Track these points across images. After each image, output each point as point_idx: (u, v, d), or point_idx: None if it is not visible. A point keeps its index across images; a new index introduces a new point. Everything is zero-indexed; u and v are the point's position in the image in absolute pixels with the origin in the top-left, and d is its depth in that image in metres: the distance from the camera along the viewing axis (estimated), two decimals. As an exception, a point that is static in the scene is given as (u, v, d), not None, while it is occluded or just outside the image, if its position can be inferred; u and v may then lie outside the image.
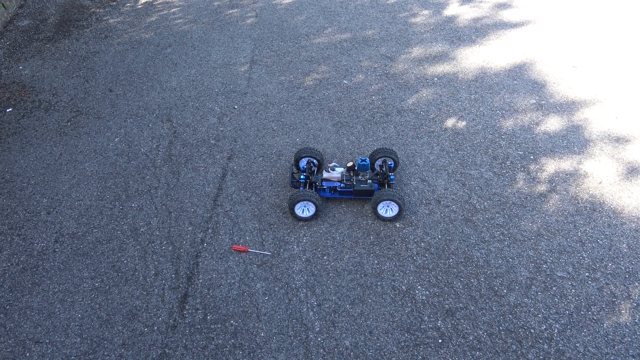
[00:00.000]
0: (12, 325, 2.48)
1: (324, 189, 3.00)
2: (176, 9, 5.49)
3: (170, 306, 2.52)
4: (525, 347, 2.27)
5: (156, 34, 4.99)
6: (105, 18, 5.36)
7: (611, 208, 2.93)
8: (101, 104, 4.02)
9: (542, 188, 3.07)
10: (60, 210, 3.08)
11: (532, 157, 3.28)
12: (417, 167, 3.24)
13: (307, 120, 3.70)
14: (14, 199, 3.18)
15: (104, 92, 4.15)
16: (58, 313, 2.52)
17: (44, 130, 3.75)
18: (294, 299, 2.52)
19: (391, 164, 3.08)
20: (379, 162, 3.09)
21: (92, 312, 2.51)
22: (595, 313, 2.40)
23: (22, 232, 2.96)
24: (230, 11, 5.35)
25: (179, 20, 5.24)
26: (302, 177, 3.01)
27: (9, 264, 2.78)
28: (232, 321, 2.44)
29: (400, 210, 2.81)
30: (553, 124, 3.56)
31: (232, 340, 2.36)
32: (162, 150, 3.49)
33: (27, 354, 2.35)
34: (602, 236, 2.76)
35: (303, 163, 3.12)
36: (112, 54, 4.70)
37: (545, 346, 2.27)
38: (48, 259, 2.79)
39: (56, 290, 2.63)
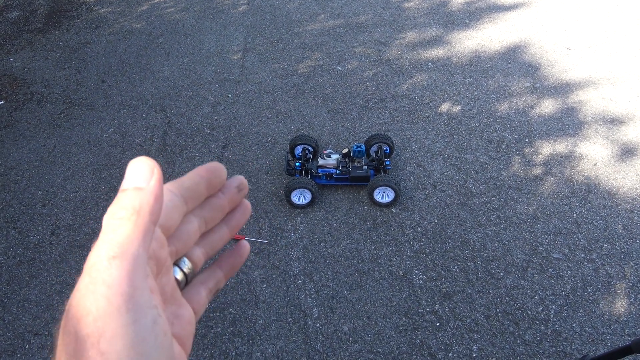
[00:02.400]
0: (10, 318, 2.48)
1: (320, 176, 2.99)
2: (167, -3, 5.44)
3: (169, 296, 2.52)
4: (522, 328, 2.29)
5: (147, 23, 4.94)
6: (95, 8, 5.31)
7: (606, 189, 2.94)
8: (94, 95, 3.99)
9: (537, 171, 3.08)
10: (56, 203, 3.07)
11: (527, 140, 3.29)
12: (412, 152, 3.24)
13: (302, 107, 3.69)
14: (9, 192, 3.17)
15: (96, 83, 4.12)
16: (56, 305, 2.52)
17: (37, 123, 3.73)
18: (292, 286, 2.53)
19: (386, 150, 3.08)
20: (374, 148, 3.09)
21: (90, 303, 2.51)
22: (591, 294, 2.42)
23: (17, 225, 2.96)
24: (222, -1, 5.30)
25: (170, 9, 5.19)
26: (297, 164, 3.01)
27: (5, 257, 2.77)
28: (230, 309, 2.45)
29: (397, 195, 2.81)
30: (548, 106, 3.56)
31: (231, 328, 2.37)
32: (157, 141, 3.48)
33: (27, 346, 2.35)
34: (598, 217, 2.78)
35: (298, 150, 3.11)
36: (104, 44, 4.65)
37: (542, 327, 2.29)
38: (45, 252, 2.79)
39: (54, 282, 2.63)
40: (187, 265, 0.40)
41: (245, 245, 0.47)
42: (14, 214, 3.03)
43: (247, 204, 0.46)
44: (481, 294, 2.45)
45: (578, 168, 3.08)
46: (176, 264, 0.40)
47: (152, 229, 0.31)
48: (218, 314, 2.43)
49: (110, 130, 3.60)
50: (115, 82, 4.12)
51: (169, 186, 0.38)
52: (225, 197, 0.43)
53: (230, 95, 3.86)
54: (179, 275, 0.40)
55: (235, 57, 4.32)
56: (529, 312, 2.36)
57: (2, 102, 3.97)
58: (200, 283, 0.42)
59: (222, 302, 2.47)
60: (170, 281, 0.37)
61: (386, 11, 4.85)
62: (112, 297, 0.28)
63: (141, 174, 0.32)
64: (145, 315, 0.29)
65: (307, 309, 2.43)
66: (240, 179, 0.44)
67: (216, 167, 0.41)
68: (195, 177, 0.39)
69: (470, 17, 4.67)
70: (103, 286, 0.28)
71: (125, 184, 0.32)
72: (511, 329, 2.30)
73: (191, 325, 0.39)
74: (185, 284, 0.41)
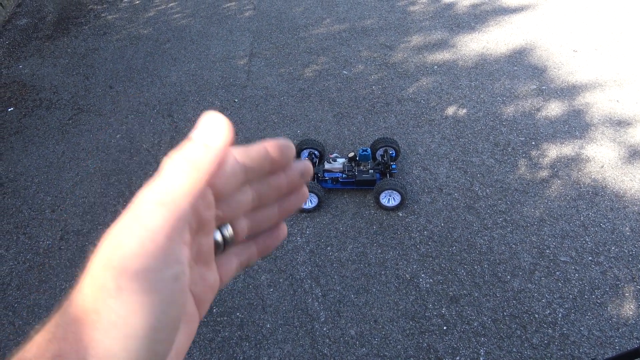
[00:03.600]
0: (20, 322, 2.50)
1: (326, 180, 3.00)
2: (174, 3, 5.48)
3: (177, 300, 2.53)
4: (529, 332, 2.29)
5: (154, 30, 4.99)
6: (103, 15, 5.36)
7: (613, 192, 2.93)
8: (102, 101, 4.03)
9: (544, 173, 3.07)
10: (65, 208, 3.11)
11: (533, 142, 3.28)
12: (418, 155, 3.25)
13: (308, 111, 3.70)
14: (19, 198, 3.20)
15: (104, 89, 4.16)
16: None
17: (46, 129, 3.77)
18: (299, 290, 2.54)
19: (392, 154, 3.08)
20: (380, 151, 3.10)
21: (99, 307, 2.53)
22: (599, 297, 2.41)
23: (27, 230, 2.99)
24: (228, 4, 5.34)
25: (176, 15, 5.23)
26: (303, 168, 3.01)
27: (15, 263, 2.80)
28: (238, 313, 2.46)
29: (403, 199, 2.81)
30: (554, 109, 3.55)
31: (239, 332, 2.38)
32: (164, 146, 3.51)
33: (37, 351, 2.37)
34: (605, 220, 2.77)
35: (304, 155, 3.12)
36: (112, 50, 4.70)
37: (550, 330, 2.29)
38: (54, 257, 2.82)
39: (63, 287, 2.65)
40: (229, 232, 0.41)
41: (284, 228, 0.47)
42: (23, 220, 3.06)
43: (306, 190, 0.46)
44: (488, 297, 2.44)
45: (585, 170, 3.07)
46: (219, 228, 0.40)
47: (205, 189, 0.33)
48: (225, 318, 2.44)
49: (118, 136, 3.63)
50: (123, 88, 4.15)
51: (235, 151, 0.38)
52: (286, 178, 0.43)
53: (236, 100, 3.89)
54: (219, 238, 0.40)
55: (242, 62, 4.35)
56: (537, 316, 2.35)
57: (12, 108, 4.01)
58: (234, 254, 0.43)
59: (230, 307, 2.49)
60: (208, 243, 0.38)
61: (391, 15, 4.86)
62: (146, 241, 0.29)
63: (213, 131, 0.33)
64: (169, 268, 0.30)
65: (314, 313, 2.44)
66: (306, 164, 0.44)
67: (286, 146, 0.41)
68: (263, 150, 0.39)
69: (475, 20, 4.67)
70: (141, 228, 0.30)
71: (196, 134, 0.33)
72: (518, 332, 2.30)
73: (213, 291, 0.40)
74: (222, 249, 0.41)
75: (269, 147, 0.40)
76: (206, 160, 0.32)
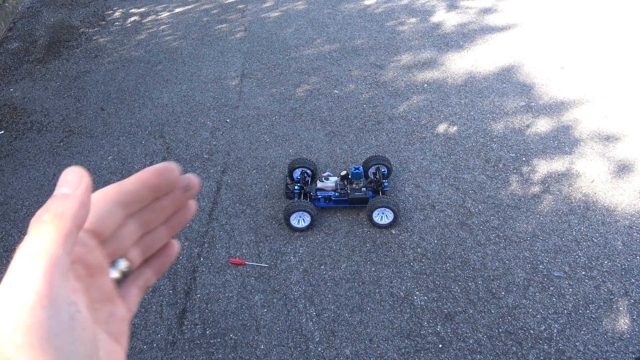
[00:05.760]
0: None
1: (319, 198, 3.00)
2: (165, 26, 5.52)
3: (169, 322, 2.51)
4: (525, 348, 2.28)
5: (146, 52, 5.01)
6: (94, 38, 5.39)
7: (604, 206, 2.95)
8: (93, 123, 4.02)
9: (535, 189, 3.09)
10: (56, 231, 3.07)
11: (524, 158, 3.31)
12: (410, 173, 3.26)
13: (300, 131, 3.72)
14: (9, 222, 3.17)
15: (95, 111, 4.16)
16: None
17: (37, 152, 3.75)
18: (293, 309, 2.52)
19: (384, 171, 3.10)
20: (372, 169, 3.11)
21: (90, 331, 2.49)
22: (593, 311, 2.41)
23: (17, 254, 2.95)
24: (220, 26, 5.39)
25: (168, 37, 5.26)
26: (296, 187, 3.02)
27: (5, 287, 2.76)
28: (231, 335, 2.43)
29: (396, 216, 2.82)
30: (543, 125, 3.59)
31: (232, 354, 2.35)
32: (156, 167, 3.49)
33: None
34: (597, 234, 2.78)
35: (297, 174, 3.13)
36: (103, 72, 4.71)
37: (545, 346, 2.28)
38: (44, 280, 2.78)
39: (53, 311, 2.61)
40: (123, 265, 0.41)
41: (175, 244, 0.48)
42: (13, 244, 3.02)
43: (192, 204, 0.46)
44: (483, 314, 2.44)
45: (576, 185, 3.09)
46: (113, 264, 0.41)
47: (75, 232, 0.33)
48: (219, 339, 2.41)
49: (109, 158, 3.62)
50: (115, 110, 4.16)
51: (109, 191, 0.40)
52: (170, 198, 0.43)
53: (228, 121, 3.90)
54: (116, 274, 0.41)
55: (233, 83, 4.37)
56: (532, 332, 2.34)
57: (2, 131, 4.00)
58: (130, 282, 0.43)
59: (223, 328, 2.46)
60: (106, 282, 0.39)
61: (381, 35, 4.92)
62: (27, 294, 0.29)
63: (70, 182, 0.34)
64: (61, 312, 0.30)
65: (308, 333, 2.42)
66: (189, 178, 0.44)
67: (166, 170, 0.41)
68: (139, 181, 0.40)
69: (463, 39, 4.74)
70: (20, 284, 0.30)
71: (56, 190, 0.34)
72: (514, 348, 2.28)
73: (125, 323, 0.40)
74: (123, 281, 0.42)
75: (147, 175, 0.40)
76: (68, 207, 0.33)
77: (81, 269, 0.36)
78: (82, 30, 5.59)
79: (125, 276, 0.42)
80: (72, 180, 0.35)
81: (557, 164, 3.25)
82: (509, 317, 2.41)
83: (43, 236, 0.31)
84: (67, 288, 0.31)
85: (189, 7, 5.91)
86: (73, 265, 0.35)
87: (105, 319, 0.38)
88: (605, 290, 2.49)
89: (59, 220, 0.32)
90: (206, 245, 2.89)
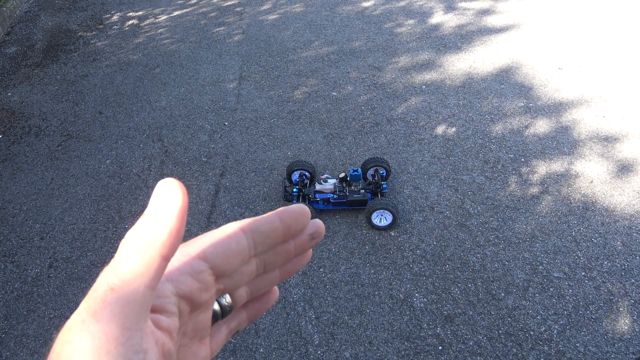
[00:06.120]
0: (8, 354, 2.45)
1: (317, 201, 3.00)
2: (163, 29, 5.52)
3: (168, 326, 2.49)
4: (525, 349, 2.27)
5: (144, 55, 5.01)
6: (92, 41, 5.38)
7: (604, 206, 2.94)
8: (91, 126, 4.02)
9: (534, 190, 3.08)
10: (54, 235, 3.07)
11: (523, 159, 3.30)
12: (409, 174, 3.25)
13: (298, 133, 3.71)
14: (6, 226, 3.16)
15: (93, 115, 4.15)
16: (54, 339, 2.49)
17: (35, 156, 3.74)
18: (292, 312, 2.51)
19: (383, 173, 3.09)
20: (371, 171, 3.10)
21: (88, 336, 2.48)
22: (593, 312, 2.40)
23: (15, 258, 2.94)
24: (217, 29, 5.39)
25: (166, 41, 5.26)
26: (295, 190, 3.01)
27: (3, 292, 2.75)
28: (230, 339, 2.42)
29: (394, 218, 2.81)
30: (542, 126, 3.58)
31: (232, 358, 2.34)
32: (154, 170, 3.49)
33: (24, 382, 2.32)
34: (596, 235, 2.77)
35: (295, 176, 3.12)
36: (101, 76, 4.71)
37: (546, 348, 2.27)
38: (43, 285, 2.77)
39: (52, 316, 2.61)
40: (227, 301, 0.39)
41: (275, 292, 0.45)
42: (11, 248, 3.01)
43: (310, 252, 0.43)
44: (483, 315, 2.43)
45: (575, 186, 3.09)
46: (217, 299, 0.38)
47: (164, 264, 0.30)
48: (218, 343, 2.40)
49: (107, 161, 3.62)
50: (113, 114, 4.15)
51: (244, 226, 0.36)
52: (294, 242, 0.40)
53: (226, 124, 3.89)
54: (217, 308, 0.38)
55: (231, 86, 4.37)
56: (532, 333, 2.33)
57: (0, 136, 3.99)
58: (222, 322, 0.41)
59: (222, 332, 2.45)
60: (206, 318, 0.36)
61: (379, 36, 4.92)
62: (97, 334, 0.27)
63: (164, 201, 0.30)
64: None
65: (307, 335, 2.41)
66: (317, 225, 0.41)
67: (301, 214, 0.38)
68: (274, 222, 0.37)
69: (462, 40, 4.74)
70: (93, 320, 0.28)
71: (149, 208, 0.31)
72: (514, 350, 2.27)
73: None
74: (220, 319, 0.40)
75: (282, 217, 0.37)
76: (157, 235, 0.30)
77: (185, 304, 0.33)
78: (80, 34, 5.59)
79: (224, 315, 0.39)
80: (166, 199, 0.30)
81: (556, 165, 3.24)
82: (508, 319, 2.40)
83: (126, 265, 0.29)
84: (141, 332, 0.29)
85: (187, 10, 5.91)
86: (180, 298, 0.32)
87: (186, 359, 0.35)
88: (605, 290, 2.49)
89: (147, 250, 0.29)
90: (205, 248, 2.87)
